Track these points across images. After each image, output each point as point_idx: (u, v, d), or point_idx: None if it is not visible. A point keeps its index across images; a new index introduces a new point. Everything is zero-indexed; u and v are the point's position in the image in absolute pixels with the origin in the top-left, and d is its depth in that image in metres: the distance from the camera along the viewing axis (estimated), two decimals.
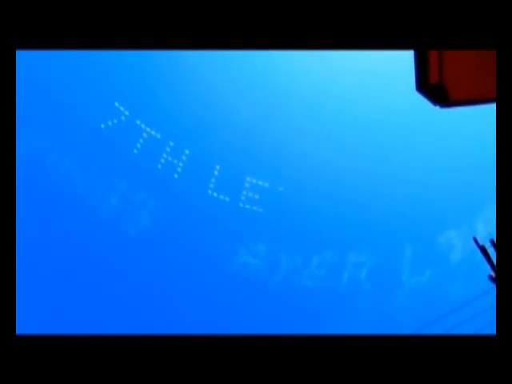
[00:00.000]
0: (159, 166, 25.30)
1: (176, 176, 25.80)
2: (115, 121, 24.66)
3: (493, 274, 9.73)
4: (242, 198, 25.74)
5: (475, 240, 9.93)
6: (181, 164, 25.34)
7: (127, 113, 24.40)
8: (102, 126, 25.16)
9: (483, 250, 9.76)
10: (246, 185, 25.57)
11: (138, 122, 24.44)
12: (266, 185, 25.64)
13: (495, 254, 9.70)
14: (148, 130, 24.55)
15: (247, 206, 25.91)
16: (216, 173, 26.11)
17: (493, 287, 10.56)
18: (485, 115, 25.85)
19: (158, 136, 24.64)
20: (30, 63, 25.30)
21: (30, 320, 27.31)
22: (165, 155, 25.02)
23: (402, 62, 24.70)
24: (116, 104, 24.42)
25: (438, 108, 5.96)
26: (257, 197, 25.79)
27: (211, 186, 26.25)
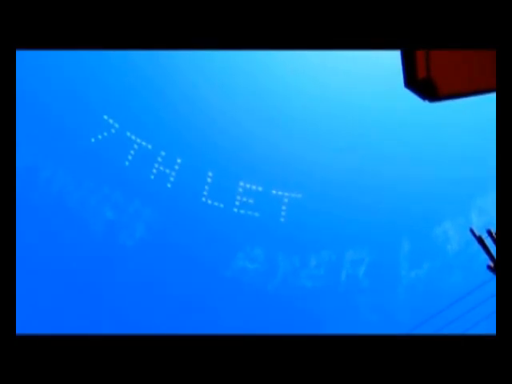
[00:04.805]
0: (152, 177, 25.24)
1: (169, 185, 25.75)
2: (105, 134, 24.60)
3: (491, 263, 9.78)
4: (237, 203, 25.72)
5: (472, 231, 9.98)
6: (173, 173, 25.31)
7: (117, 125, 24.34)
8: (93, 139, 25.09)
9: (480, 240, 9.81)
10: (240, 190, 25.56)
11: (128, 134, 24.39)
12: (260, 189, 25.64)
13: (492, 243, 9.76)
14: (139, 141, 24.51)
15: (242, 211, 25.88)
16: (209, 179, 26.08)
17: (492, 277, 10.62)
18: (474, 107, 26.08)
19: (149, 146, 24.61)
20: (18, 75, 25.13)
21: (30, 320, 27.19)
22: (157, 165, 24.97)
23: (391, 61, 24.92)
24: (105, 117, 24.36)
25: (427, 103, 6.00)
26: (251, 201, 25.77)
27: (205, 193, 26.21)
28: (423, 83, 5.61)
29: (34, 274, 27.80)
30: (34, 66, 25.66)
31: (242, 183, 25.50)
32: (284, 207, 26.91)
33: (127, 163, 25.29)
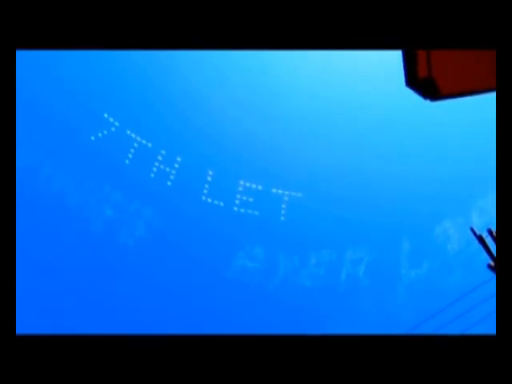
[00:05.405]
0: (152, 175, 25.26)
1: (169, 184, 25.76)
2: (105, 132, 24.61)
3: (491, 263, 9.78)
4: (237, 201, 25.73)
5: (472, 230, 9.98)
6: (173, 172, 25.32)
7: (117, 124, 24.34)
8: (93, 137, 25.10)
9: (481, 239, 9.81)
10: (240, 188, 25.57)
11: (129, 133, 24.40)
12: (260, 187, 25.64)
13: (493, 243, 9.76)
14: (139, 139, 24.51)
15: (242, 210, 25.89)
16: (209, 178, 26.09)
17: (492, 277, 10.62)
18: (475, 106, 26.08)
19: (149, 145, 24.62)
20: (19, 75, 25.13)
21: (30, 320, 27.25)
22: (157, 164, 24.98)
23: (392, 60, 24.90)
24: (105, 115, 24.36)
25: (427, 102, 6.00)
26: (251, 200, 25.78)
27: (205, 191, 26.22)
28: (424, 82, 5.61)
29: (34, 273, 27.83)
30: (33, 66, 25.66)
31: (242, 182, 25.52)
32: (284, 206, 26.93)
33: (127, 162, 25.31)
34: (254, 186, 25.58)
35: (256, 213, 26.25)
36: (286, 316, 30.36)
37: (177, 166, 25.35)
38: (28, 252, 27.47)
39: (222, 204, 26.25)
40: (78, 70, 26.13)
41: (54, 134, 26.63)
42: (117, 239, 28.51)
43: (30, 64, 25.56)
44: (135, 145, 24.66)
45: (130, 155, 25.01)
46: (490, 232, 9.68)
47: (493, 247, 9.74)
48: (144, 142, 24.60)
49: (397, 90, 26.46)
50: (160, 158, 24.91)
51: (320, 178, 29.11)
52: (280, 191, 26.32)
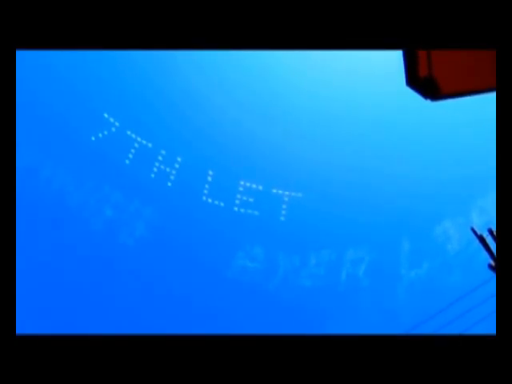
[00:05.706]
0: (152, 175, 25.26)
1: (169, 184, 25.76)
2: (105, 132, 24.61)
3: (492, 262, 9.78)
4: (237, 202, 25.73)
5: (473, 230, 9.97)
6: (174, 172, 25.32)
7: (117, 124, 24.34)
8: (93, 138, 25.10)
9: (481, 239, 9.80)
10: (240, 188, 25.56)
11: (129, 133, 24.40)
12: (260, 187, 25.64)
13: (493, 242, 9.76)
14: (139, 139, 24.51)
15: (242, 210, 25.89)
16: (209, 178, 26.09)
17: (491, 277, 10.62)
18: (475, 106, 26.07)
19: (150, 145, 24.62)
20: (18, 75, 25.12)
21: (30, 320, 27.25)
22: (157, 164, 24.98)
23: (392, 59, 24.89)
24: (105, 115, 24.36)
25: (428, 101, 6.00)
26: (251, 200, 25.78)
27: (205, 191, 26.22)
28: (425, 82, 5.60)
29: (34, 273, 27.83)
30: (34, 66, 25.66)
31: (242, 182, 25.52)
32: (284, 206, 26.92)
33: (127, 162, 25.31)
34: (254, 186, 25.58)
35: (256, 213, 26.26)
36: (286, 316, 30.37)
37: (177, 166, 25.36)
38: (28, 252, 27.49)
39: (222, 204, 26.26)
40: (78, 70, 26.14)
41: (54, 134, 26.65)
42: (117, 239, 28.52)
43: (30, 64, 25.57)
44: (135, 145, 24.67)
45: (130, 155, 25.02)
46: (490, 232, 9.68)
47: (493, 247, 9.74)
48: (144, 142, 24.60)
49: (397, 90, 26.47)
50: (160, 158, 24.93)
51: (320, 177, 29.11)
52: (280, 191, 26.32)
